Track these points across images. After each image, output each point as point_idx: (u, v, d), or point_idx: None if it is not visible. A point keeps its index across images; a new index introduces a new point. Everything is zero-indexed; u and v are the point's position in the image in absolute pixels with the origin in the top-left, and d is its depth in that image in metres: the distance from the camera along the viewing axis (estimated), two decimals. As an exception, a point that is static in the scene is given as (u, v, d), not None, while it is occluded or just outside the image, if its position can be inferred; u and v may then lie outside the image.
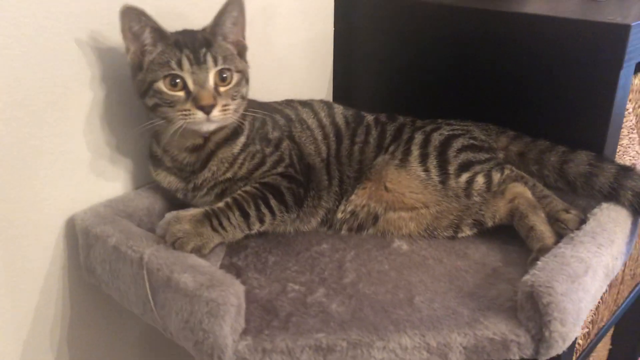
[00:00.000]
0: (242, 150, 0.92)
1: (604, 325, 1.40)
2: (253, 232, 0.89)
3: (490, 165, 0.97)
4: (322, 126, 1.04)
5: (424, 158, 0.98)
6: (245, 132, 0.93)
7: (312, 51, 1.27)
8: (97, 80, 0.93)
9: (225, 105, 0.85)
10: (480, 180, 0.95)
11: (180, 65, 0.84)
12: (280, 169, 0.94)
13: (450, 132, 1.01)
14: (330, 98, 1.34)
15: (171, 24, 0.88)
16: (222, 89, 0.86)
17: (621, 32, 0.90)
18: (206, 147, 0.91)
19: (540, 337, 0.74)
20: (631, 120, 1.05)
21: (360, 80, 1.32)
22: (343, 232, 0.99)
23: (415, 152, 0.98)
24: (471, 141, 1.00)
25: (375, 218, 0.97)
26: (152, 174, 0.96)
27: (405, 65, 1.24)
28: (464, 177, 0.96)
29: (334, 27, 1.29)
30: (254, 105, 0.95)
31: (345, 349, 0.73)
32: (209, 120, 0.84)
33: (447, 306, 0.79)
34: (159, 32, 0.86)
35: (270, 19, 1.16)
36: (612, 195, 0.93)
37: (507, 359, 0.76)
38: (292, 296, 0.82)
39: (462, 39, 1.13)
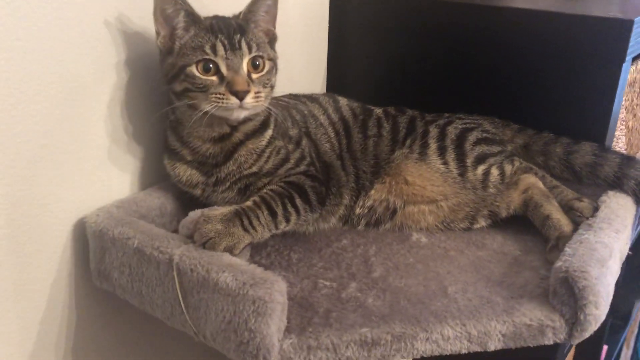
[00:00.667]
0: (269, 143, 0.91)
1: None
2: (279, 231, 0.87)
3: (502, 157, 1.00)
4: (332, 123, 1.03)
5: (442, 151, 0.99)
6: (272, 126, 0.92)
7: (307, 45, 1.26)
8: (109, 76, 0.89)
9: (257, 93, 0.83)
10: (494, 172, 0.98)
11: (214, 50, 0.82)
12: (303, 167, 0.92)
13: (464, 126, 1.03)
14: (324, 91, 1.33)
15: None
16: (254, 75, 0.84)
17: (624, 27, 0.94)
18: (233, 137, 0.89)
19: (574, 321, 0.76)
20: (622, 112, 1.10)
21: (353, 74, 1.32)
22: (360, 227, 0.99)
23: (433, 145, 0.99)
24: (484, 134, 1.03)
25: (394, 212, 0.98)
26: (168, 168, 0.92)
27: (400, 60, 1.25)
28: (480, 169, 0.98)
29: (329, 20, 1.28)
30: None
31: (389, 342, 0.73)
32: (241, 106, 0.82)
33: (481, 295, 0.81)
34: (192, 16, 0.84)
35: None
36: (617, 184, 0.98)
37: (541, 344, 0.78)
38: (325, 292, 0.81)
39: (456, 34, 1.15)
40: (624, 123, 1.14)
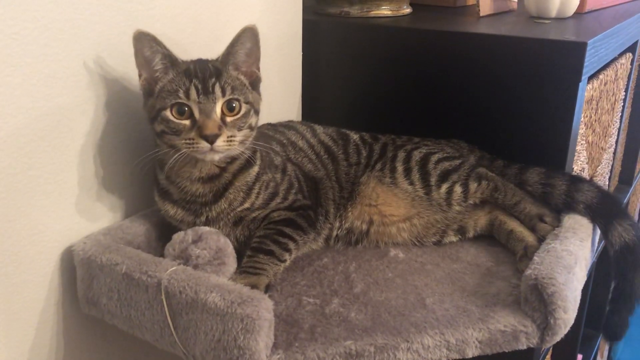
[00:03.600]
0: (256, 179, 0.93)
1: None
2: (287, 262, 0.92)
3: (466, 171, 1.05)
4: (311, 146, 1.07)
5: (407, 172, 1.04)
6: (258, 162, 0.94)
7: (283, 73, 1.31)
8: (95, 109, 0.92)
9: (230, 137, 0.85)
10: (458, 190, 1.03)
11: (187, 94, 0.84)
12: (291, 197, 0.96)
13: (427, 150, 1.09)
14: (299, 117, 1.38)
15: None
16: (229, 119, 0.85)
17: (579, 49, 1.01)
18: (222, 178, 0.91)
19: (545, 326, 0.81)
20: (582, 128, 1.17)
21: (327, 100, 1.37)
22: (338, 247, 1.03)
23: (400, 167, 1.05)
24: (445, 154, 1.09)
25: (368, 231, 1.02)
26: (159, 204, 0.94)
27: (371, 86, 1.30)
28: (444, 187, 1.03)
29: (302, 50, 1.34)
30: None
31: (372, 354, 0.77)
32: (212, 150, 0.84)
33: (457, 305, 0.85)
34: (170, 59, 0.86)
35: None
36: (569, 208, 1.00)
37: (515, 348, 0.82)
38: (309, 309, 0.85)
39: (423, 60, 1.21)
40: (584, 138, 1.20)
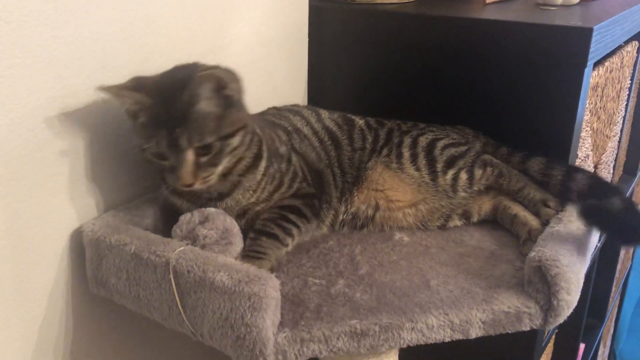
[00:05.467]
0: (264, 174, 0.94)
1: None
2: (289, 247, 0.94)
3: (472, 158, 1.05)
4: (315, 132, 1.08)
5: (414, 158, 1.05)
6: (265, 155, 0.94)
7: (289, 57, 1.31)
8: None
9: (205, 177, 0.85)
10: (463, 176, 1.03)
11: (158, 144, 0.83)
12: (295, 186, 0.97)
13: (434, 136, 1.09)
14: (305, 102, 1.39)
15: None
16: (203, 159, 0.84)
17: (585, 34, 1.01)
18: (228, 180, 0.91)
19: (548, 307, 0.82)
20: (587, 115, 1.18)
21: (333, 85, 1.38)
22: (343, 231, 1.03)
23: (406, 153, 1.05)
24: (451, 140, 1.09)
25: (374, 216, 1.03)
26: (165, 194, 0.94)
27: (376, 70, 1.31)
28: (450, 174, 1.03)
29: (309, 34, 1.34)
30: (258, 122, 0.97)
31: (377, 333, 0.78)
32: (192, 189, 0.86)
33: (461, 287, 0.86)
34: (139, 104, 0.84)
35: (248, 40, 1.20)
36: (565, 198, 1.01)
37: (519, 330, 0.83)
38: (315, 289, 0.86)
39: (428, 46, 1.21)
40: (589, 125, 1.21)
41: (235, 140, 0.87)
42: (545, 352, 1.65)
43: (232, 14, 1.13)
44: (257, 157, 0.93)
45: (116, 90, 0.84)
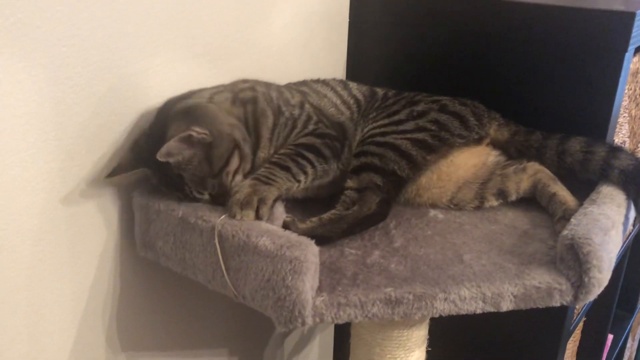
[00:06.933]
0: (273, 128, 0.98)
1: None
2: (302, 184, 0.95)
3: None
4: (339, 95, 1.11)
5: None
6: (269, 113, 0.99)
7: (328, 34, 1.34)
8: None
9: (239, 191, 0.89)
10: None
11: (183, 197, 0.93)
12: (311, 127, 1.00)
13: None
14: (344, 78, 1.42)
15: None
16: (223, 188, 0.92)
17: (627, 18, 1.01)
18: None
19: (579, 284, 0.84)
20: (626, 101, 1.18)
21: (372, 62, 1.40)
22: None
23: None
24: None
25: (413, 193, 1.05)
26: None
27: (414, 49, 1.32)
28: None
29: (349, 10, 1.36)
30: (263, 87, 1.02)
31: (411, 301, 0.81)
32: None
33: (494, 262, 0.88)
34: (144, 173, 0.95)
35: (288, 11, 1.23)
36: (604, 175, 1.01)
37: (549, 305, 0.85)
38: (351, 259, 0.89)
39: (468, 29, 1.22)
40: (627, 111, 1.21)
41: (234, 162, 0.92)
42: (572, 339, 1.66)
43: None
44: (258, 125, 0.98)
45: (120, 179, 0.95)
